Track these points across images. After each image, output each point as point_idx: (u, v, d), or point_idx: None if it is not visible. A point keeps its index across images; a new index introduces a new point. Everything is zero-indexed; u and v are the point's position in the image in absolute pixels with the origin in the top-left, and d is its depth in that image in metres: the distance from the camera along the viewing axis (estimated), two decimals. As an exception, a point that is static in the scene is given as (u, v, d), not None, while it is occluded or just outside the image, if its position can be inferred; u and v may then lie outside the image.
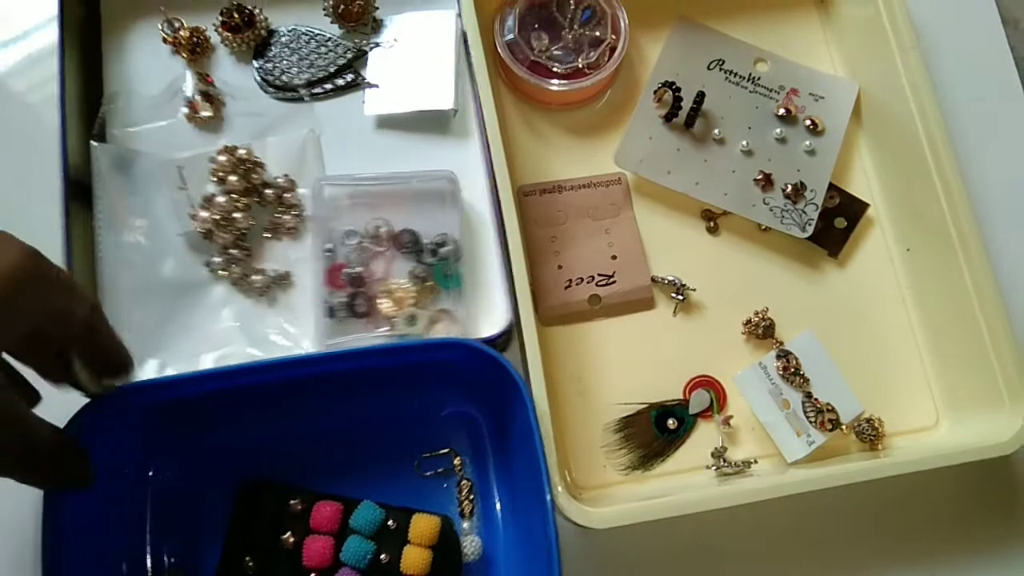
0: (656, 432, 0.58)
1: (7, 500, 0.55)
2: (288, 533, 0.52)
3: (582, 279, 0.61)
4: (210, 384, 0.51)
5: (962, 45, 0.70)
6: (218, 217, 0.59)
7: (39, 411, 0.44)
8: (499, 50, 0.62)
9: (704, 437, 0.59)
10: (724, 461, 0.57)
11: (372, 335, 0.58)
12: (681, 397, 0.60)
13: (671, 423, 0.58)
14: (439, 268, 0.59)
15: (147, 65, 0.64)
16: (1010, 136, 0.69)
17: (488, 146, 0.58)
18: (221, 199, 0.59)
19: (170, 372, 0.57)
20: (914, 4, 0.62)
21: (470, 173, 0.61)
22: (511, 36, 0.63)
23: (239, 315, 0.59)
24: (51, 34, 0.65)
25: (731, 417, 0.59)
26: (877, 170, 0.65)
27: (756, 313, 0.60)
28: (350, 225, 0.60)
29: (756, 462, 0.58)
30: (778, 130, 0.64)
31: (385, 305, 0.58)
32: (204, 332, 0.59)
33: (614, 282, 0.61)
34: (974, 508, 0.60)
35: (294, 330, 0.59)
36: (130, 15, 0.64)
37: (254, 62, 0.64)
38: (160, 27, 0.64)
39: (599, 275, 0.61)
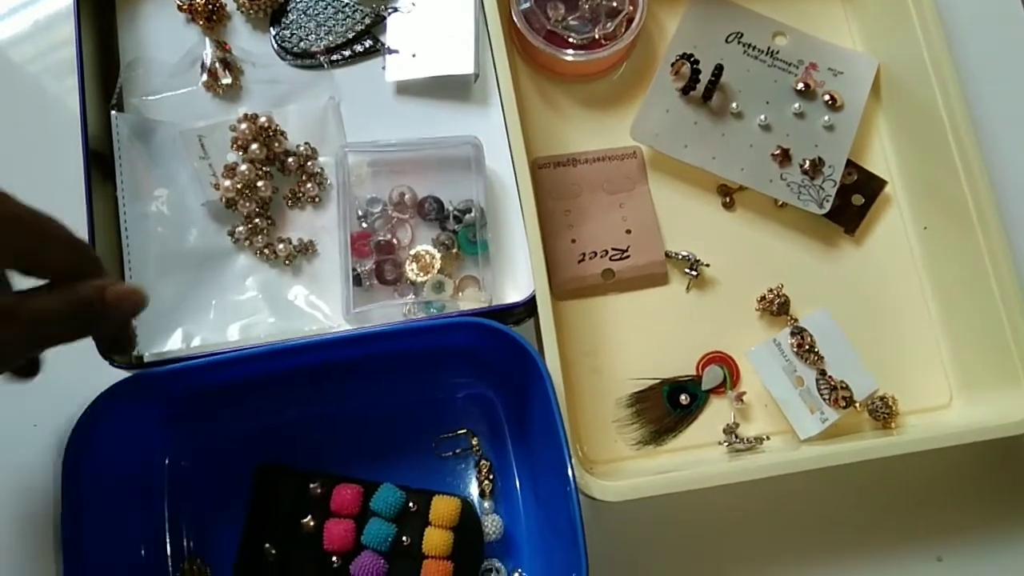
0: (668, 407, 0.59)
1: (27, 487, 0.56)
2: (308, 517, 0.52)
3: (596, 253, 0.60)
4: (226, 371, 0.51)
5: (980, 22, 0.68)
6: (240, 186, 0.59)
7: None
8: (515, 19, 0.61)
9: (716, 413, 0.59)
10: (736, 437, 0.57)
11: (399, 302, 0.58)
12: (694, 373, 0.59)
13: (683, 399, 0.58)
14: (464, 234, 0.59)
15: (163, 33, 0.63)
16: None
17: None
18: (243, 168, 0.59)
19: (196, 342, 0.57)
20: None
21: (493, 139, 0.60)
22: (527, 5, 0.62)
23: (263, 285, 0.59)
24: (58, 1, 0.65)
25: (744, 393, 0.59)
26: (895, 147, 0.64)
27: (771, 289, 0.60)
28: (373, 193, 0.60)
29: (768, 439, 0.58)
30: (796, 105, 0.63)
31: (412, 272, 0.58)
32: (229, 302, 0.59)
33: (628, 256, 0.61)
34: (986, 487, 0.60)
35: (319, 299, 0.59)
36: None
37: (271, 29, 0.64)
38: (174, -6, 0.63)
39: (613, 249, 0.61)
